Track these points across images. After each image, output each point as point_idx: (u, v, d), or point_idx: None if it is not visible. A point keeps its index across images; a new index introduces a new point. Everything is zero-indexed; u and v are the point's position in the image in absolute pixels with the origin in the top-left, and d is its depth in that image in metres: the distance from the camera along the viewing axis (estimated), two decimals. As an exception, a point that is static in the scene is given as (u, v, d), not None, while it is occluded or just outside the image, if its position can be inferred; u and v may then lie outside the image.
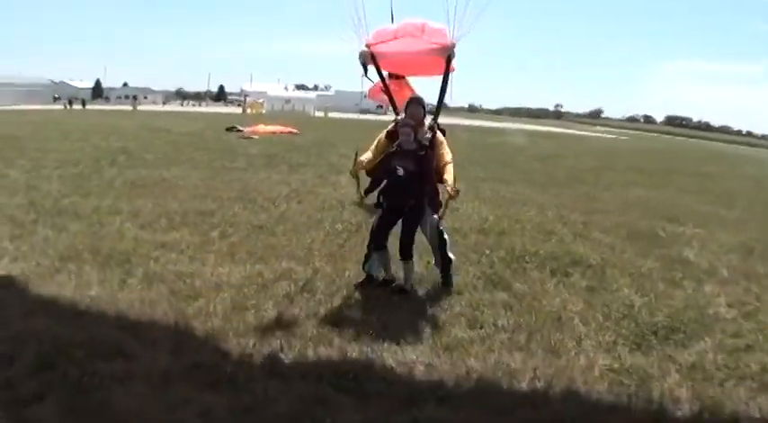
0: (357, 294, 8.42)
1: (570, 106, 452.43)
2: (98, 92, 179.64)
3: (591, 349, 7.12)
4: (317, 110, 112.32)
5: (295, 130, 40.83)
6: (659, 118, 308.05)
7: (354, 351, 6.54)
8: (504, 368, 6.42)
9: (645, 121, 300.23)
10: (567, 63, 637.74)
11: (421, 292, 8.72)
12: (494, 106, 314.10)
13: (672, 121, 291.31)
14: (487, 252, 11.03)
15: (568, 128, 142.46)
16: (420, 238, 8.74)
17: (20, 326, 6.69)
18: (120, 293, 8.02)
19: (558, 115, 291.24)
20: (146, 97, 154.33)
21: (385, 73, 9.09)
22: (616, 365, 6.72)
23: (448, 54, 8.22)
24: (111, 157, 22.81)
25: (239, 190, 16.51)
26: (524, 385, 6.12)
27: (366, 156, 8.61)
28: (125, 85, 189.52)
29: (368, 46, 8.47)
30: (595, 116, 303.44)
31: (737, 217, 18.61)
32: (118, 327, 6.91)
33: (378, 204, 8.60)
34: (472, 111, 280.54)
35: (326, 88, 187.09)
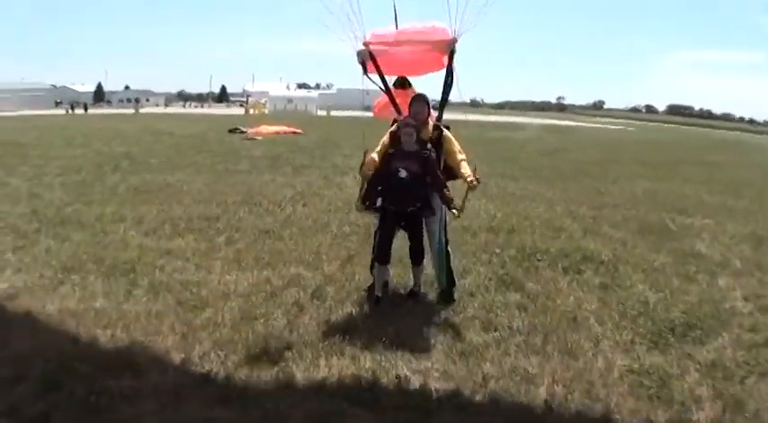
0: (368, 300, 8.24)
1: (572, 98, 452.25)
2: (100, 95, 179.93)
3: (608, 350, 6.97)
4: (320, 109, 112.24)
5: (298, 131, 40.79)
6: (661, 107, 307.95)
7: (368, 360, 6.39)
8: (522, 373, 6.27)
9: (647, 111, 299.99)
10: (569, 55, 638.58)
11: (432, 295, 8.57)
12: (496, 100, 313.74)
13: (674, 110, 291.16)
14: (498, 251, 10.89)
15: (572, 120, 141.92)
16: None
17: (25, 343, 6.57)
18: (125, 305, 7.89)
19: (560, 108, 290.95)
20: (147, 100, 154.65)
21: (389, 79, 8.86)
22: (635, 366, 6.58)
23: (450, 49, 8.03)
24: (114, 163, 22.70)
25: (244, 193, 16.35)
26: (543, 391, 5.96)
27: (373, 156, 8.25)
28: (126, 88, 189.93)
29: (365, 44, 8.18)
30: (598, 107, 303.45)
31: (746, 206, 18.41)
32: (125, 341, 6.80)
33: (377, 208, 8.24)
34: (474, 105, 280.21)
35: (329, 87, 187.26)
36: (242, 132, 39.17)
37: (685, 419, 5.65)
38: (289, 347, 6.66)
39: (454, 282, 8.51)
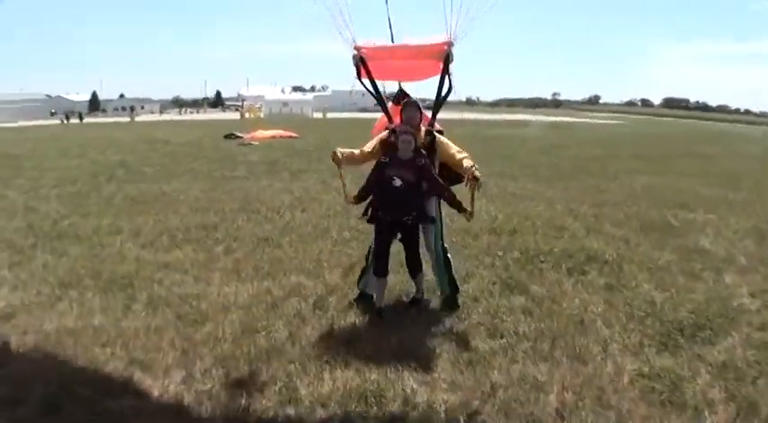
0: (371, 309, 8.07)
1: (568, 94, 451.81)
2: (95, 104, 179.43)
3: (617, 353, 6.85)
4: (315, 111, 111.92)
5: (294, 134, 40.57)
6: (657, 101, 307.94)
7: (373, 373, 6.25)
8: (531, 381, 6.14)
9: (643, 105, 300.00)
10: (563, 51, 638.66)
11: (435, 302, 8.43)
12: (491, 98, 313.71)
13: (670, 103, 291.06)
14: (500, 254, 10.76)
15: (568, 116, 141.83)
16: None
17: (23, 365, 6.49)
18: (124, 321, 7.76)
19: (556, 104, 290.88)
20: (143, 107, 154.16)
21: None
22: (645, 369, 6.45)
23: (446, 55, 7.83)
24: (110, 173, 22.58)
25: (241, 200, 16.23)
26: (553, 399, 5.83)
27: (356, 150, 8.04)
28: (121, 96, 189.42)
29: (356, 49, 7.93)
30: (594, 102, 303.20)
31: (745, 199, 18.32)
32: (124, 358, 6.68)
33: (371, 219, 8.01)
34: (470, 104, 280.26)
35: (324, 89, 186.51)
36: (238, 138, 39.00)
37: (700, 425, 5.55)
38: (292, 361, 6.53)
39: (457, 287, 8.35)
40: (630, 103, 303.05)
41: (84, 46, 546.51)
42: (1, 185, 19.10)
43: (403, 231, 7.85)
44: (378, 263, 7.90)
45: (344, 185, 8.14)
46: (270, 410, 5.61)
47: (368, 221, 8.04)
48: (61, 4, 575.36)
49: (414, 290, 8.44)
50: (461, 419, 5.48)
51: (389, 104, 8.49)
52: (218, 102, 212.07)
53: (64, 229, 12.85)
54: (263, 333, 7.30)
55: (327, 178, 20.48)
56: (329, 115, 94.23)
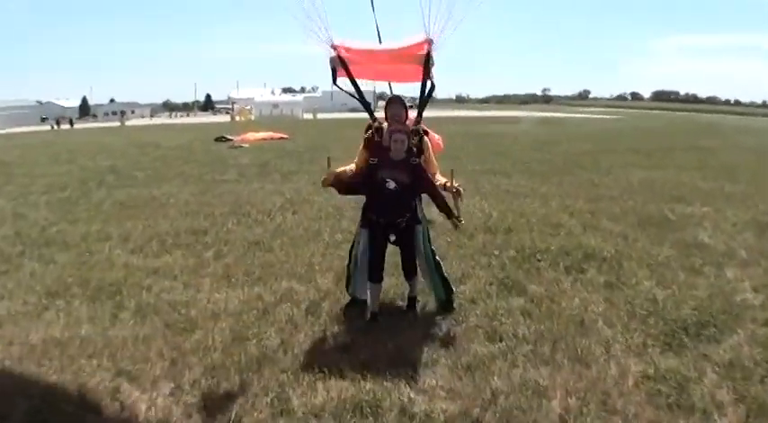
0: (365, 313, 7.82)
1: (558, 90, 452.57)
2: (85, 110, 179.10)
3: (621, 355, 6.63)
4: (306, 112, 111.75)
5: (285, 136, 40.45)
6: (646, 94, 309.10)
7: (368, 381, 5.99)
8: (532, 386, 5.91)
9: (633, 99, 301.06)
10: (552, 47, 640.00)
11: (431, 305, 8.16)
12: (481, 95, 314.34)
13: (659, 96, 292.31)
14: (496, 253, 10.53)
15: (558, 111, 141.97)
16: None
17: (7, 378, 6.28)
18: (111, 330, 7.52)
19: (546, 100, 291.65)
20: (133, 112, 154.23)
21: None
22: (650, 371, 6.22)
23: (426, 54, 7.58)
24: (99, 178, 22.35)
25: (232, 203, 16.01)
26: (556, 405, 5.60)
27: (349, 167, 7.88)
28: (112, 101, 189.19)
29: (333, 47, 7.58)
30: (584, 97, 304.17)
31: (743, 191, 18.13)
32: (111, 370, 6.45)
33: (364, 223, 7.75)
34: (460, 101, 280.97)
35: (314, 90, 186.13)
36: (228, 141, 38.81)
37: (709, 427, 5.34)
38: (284, 370, 6.28)
39: (452, 289, 8.06)
40: (620, 98, 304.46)
41: (74, 51, 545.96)
42: (-11, 193, 18.77)
43: (397, 234, 7.58)
44: (373, 268, 7.63)
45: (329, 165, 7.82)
46: (261, 423, 5.38)
47: (361, 226, 7.79)
48: (50, 10, 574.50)
49: (407, 291, 8.16)
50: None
51: (381, 104, 8.25)
52: (208, 105, 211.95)
53: (52, 237, 12.63)
54: (254, 341, 7.06)
55: (318, 179, 20.14)
56: (320, 116, 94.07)
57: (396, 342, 6.92)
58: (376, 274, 7.62)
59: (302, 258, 10.44)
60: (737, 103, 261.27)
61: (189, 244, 11.69)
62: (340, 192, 8.03)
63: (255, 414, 5.51)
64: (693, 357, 6.56)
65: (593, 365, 6.36)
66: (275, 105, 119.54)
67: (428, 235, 7.95)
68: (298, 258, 10.45)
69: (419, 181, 7.46)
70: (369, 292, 7.80)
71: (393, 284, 8.52)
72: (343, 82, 7.80)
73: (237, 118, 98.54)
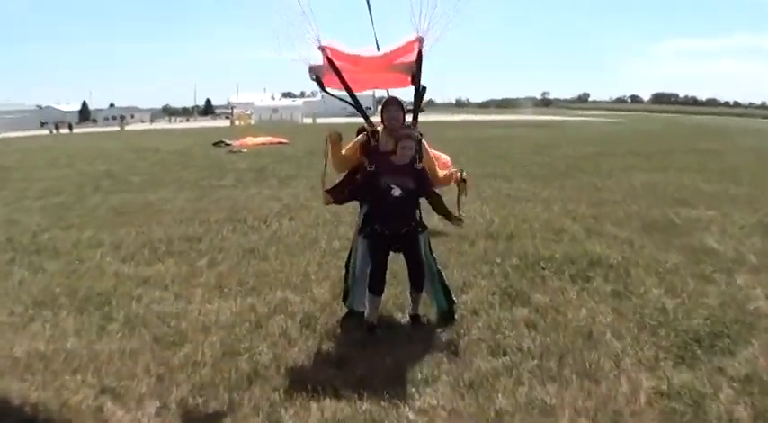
0: (361, 327, 7.47)
1: (557, 93, 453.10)
2: (85, 114, 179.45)
3: (631, 369, 6.27)
4: (306, 117, 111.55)
5: (284, 141, 40.06)
6: (646, 97, 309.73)
7: (365, 401, 5.64)
8: (539, 405, 5.56)
9: (632, 101, 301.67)
10: (551, 51, 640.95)
11: (432, 316, 7.78)
12: (480, 99, 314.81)
13: (659, 98, 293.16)
14: (499, 260, 10.17)
15: (558, 114, 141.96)
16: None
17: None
18: (98, 344, 7.19)
19: (546, 103, 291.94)
20: (133, 116, 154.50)
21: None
22: (663, 387, 5.87)
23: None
24: (96, 183, 22.15)
25: (228, 209, 15.70)
26: (565, 425, 5.28)
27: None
28: (112, 105, 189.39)
29: (321, 49, 7.19)
30: (583, 100, 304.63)
31: (747, 193, 17.87)
32: (95, 386, 6.12)
33: (367, 233, 7.38)
34: (459, 105, 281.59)
35: (313, 94, 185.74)
36: (227, 145, 38.49)
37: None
38: (276, 388, 5.95)
39: (453, 299, 7.71)
40: (620, 100, 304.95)
41: (74, 56, 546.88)
42: (-15, 198, 18.53)
43: (400, 243, 7.26)
44: (375, 280, 7.27)
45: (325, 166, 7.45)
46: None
47: (363, 237, 7.44)
48: (49, 13, 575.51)
49: (409, 308, 7.81)
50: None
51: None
52: (208, 109, 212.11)
53: (43, 243, 12.35)
54: (246, 356, 6.71)
55: (316, 184, 19.92)
56: (319, 120, 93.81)
57: (394, 357, 6.57)
58: (378, 286, 7.28)
59: (298, 267, 10.11)
60: (737, 104, 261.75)
61: (182, 251, 11.38)
62: (341, 203, 7.73)
63: (245, 436, 5.19)
64: (708, 371, 6.22)
65: (603, 381, 6.02)
66: (275, 110, 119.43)
67: (429, 243, 7.62)
68: (293, 267, 10.11)
69: (423, 187, 7.17)
70: (367, 304, 7.46)
71: (392, 295, 8.15)
72: (334, 87, 7.51)
73: (237, 122, 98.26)
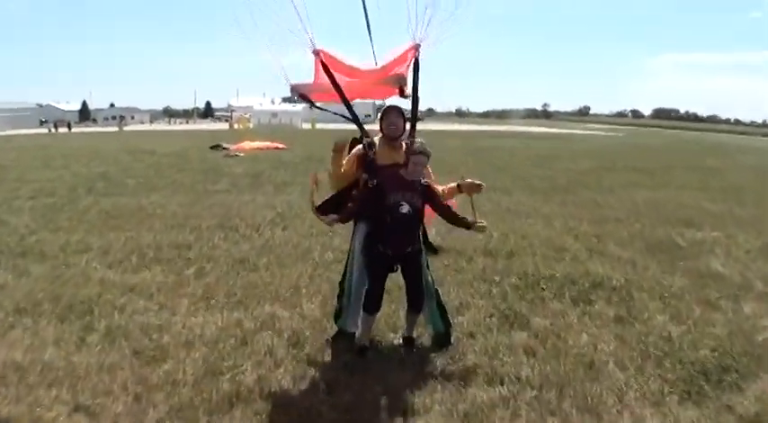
0: (352, 347, 7.12)
1: (558, 105, 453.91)
2: (85, 114, 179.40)
3: (635, 404, 5.93)
4: (305, 122, 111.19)
5: (282, 146, 39.98)
6: (647, 111, 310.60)
7: (354, 430, 5.31)
8: (538, 442, 5.23)
9: (633, 116, 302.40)
10: (553, 62, 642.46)
11: (427, 338, 7.43)
12: (481, 109, 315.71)
13: (660, 113, 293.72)
14: (497, 279, 9.82)
15: (558, 127, 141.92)
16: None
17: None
18: (76, 356, 6.86)
19: (546, 115, 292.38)
20: (133, 117, 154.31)
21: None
22: (669, 425, 5.54)
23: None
24: (89, 185, 21.76)
25: (221, 216, 15.34)
26: (565, 465, 4.93)
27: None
28: (112, 105, 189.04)
29: (315, 53, 6.87)
30: (584, 113, 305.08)
31: (752, 215, 17.58)
32: (69, 403, 5.82)
33: (369, 253, 6.95)
34: (460, 115, 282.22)
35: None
36: (224, 149, 38.28)
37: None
38: (258, 413, 5.60)
39: (450, 322, 7.35)
40: (621, 114, 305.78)
41: (75, 55, 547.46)
42: (-24, 198, 18.21)
43: (404, 262, 6.85)
44: (371, 299, 6.86)
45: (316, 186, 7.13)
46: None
47: (363, 256, 7.03)
48: (51, 13, 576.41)
49: (403, 329, 7.44)
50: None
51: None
52: (207, 112, 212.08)
53: (30, 246, 12.03)
54: (228, 376, 6.36)
55: (312, 192, 19.59)
56: (318, 126, 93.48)
57: (385, 383, 6.22)
58: (373, 305, 6.88)
59: (288, 279, 9.76)
60: (738, 122, 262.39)
61: (170, 259, 11.04)
62: (346, 222, 7.22)
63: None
64: (716, 408, 5.89)
65: (605, 416, 5.68)
66: (274, 114, 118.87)
67: (427, 261, 7.26)
68: (284, 279, 9.77)
69: (433, 202, 6.81)
70: (360, 323, 7.08)
71: (385, 314, 7.75)
72: (324, 101, 7.33)
73: (236, 126, 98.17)
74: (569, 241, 13.00)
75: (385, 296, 7.40)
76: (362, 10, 7.32)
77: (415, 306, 7.06)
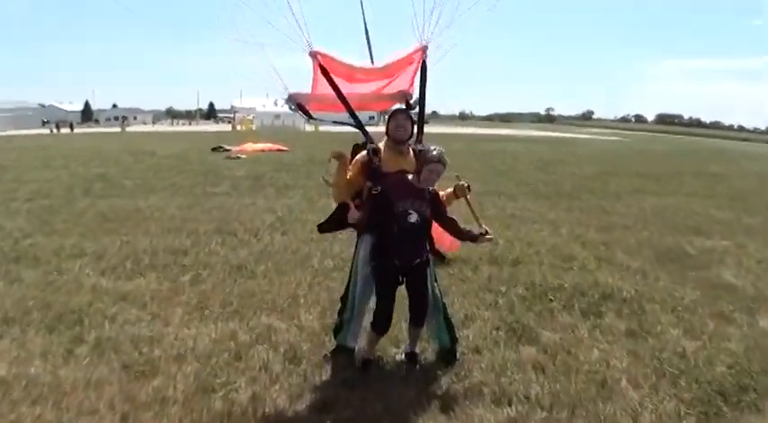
0: (351, 363, 6.78)
1: (561, 109, 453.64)
2: (87, 114, 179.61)
3: (651, 426, 5.59)
4: (308, 124, 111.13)
5: (284, 148, 39.81)
6: (650, 117, 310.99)
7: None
8: (549, 469, 4.89)
9: (636, 121, 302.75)
10: (557, 67, 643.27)
11: (430, 353, 7.08)
12: (484, 113, 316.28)
13: (663, 119, 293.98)
14: (503, 289, 9.49)
15: (562, 131, 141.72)
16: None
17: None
18: (63, 369, 6.56)
19: (550, 119, 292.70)
20: (135, 118, 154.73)
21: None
22: (687, 451, 5.21)
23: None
24: (87, 186, 21.49)
25: (219, 220, 15.02)
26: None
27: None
28: (114, 106, 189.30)
29: (312, 55, 6.50)
30: (587, 118, 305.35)
31: (761, 223, 17.28)
32: (54, 422, 5.52)
33: (376, 266, 6.49)
34: (463, 118, 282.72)
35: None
36: (225, 150, 38.04)
37: None
38: (252, 434, 5.29)
39: (456, 337, 7.00)
40: (624, 119, 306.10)
41: (78, 55, 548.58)
42: (-27, 199, 17.95)
43: (410, 275, 6.45)
44: (381, 318, 6.41)
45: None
46: None
47: (373, 269, 6.54)
48: (54, 13, 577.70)
49: (405, 345, 7.05)
50: None
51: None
52: (210, 113, 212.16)
53: (24, 250, 11.73)
54: (221, 393, 6.04)
55: (314, 195, 19.33)
56: (321, 128, 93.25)
57: (386, 402, 5.89)
58: (384, 325, 6.43)
59: (287, 288, 9.43)
60: (741, 128, 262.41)
61: (166, 265, 10.73)
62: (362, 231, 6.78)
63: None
64: (735, 432, 5.56)
65: (621, 441, 5.35)
66: (277, 116, 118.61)
67: (435, 273, 6.90)
68: (282, 287, 9.44)
69: (439, 211, 6.41)
70: (366, 341, 6.74)
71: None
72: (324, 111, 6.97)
73: (239, 127, 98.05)
74: (577, 249, 12.68)
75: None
76: (360, 10, 7.04)
77: (417, 320, 6.67)
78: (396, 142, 6.54)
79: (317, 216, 14.57)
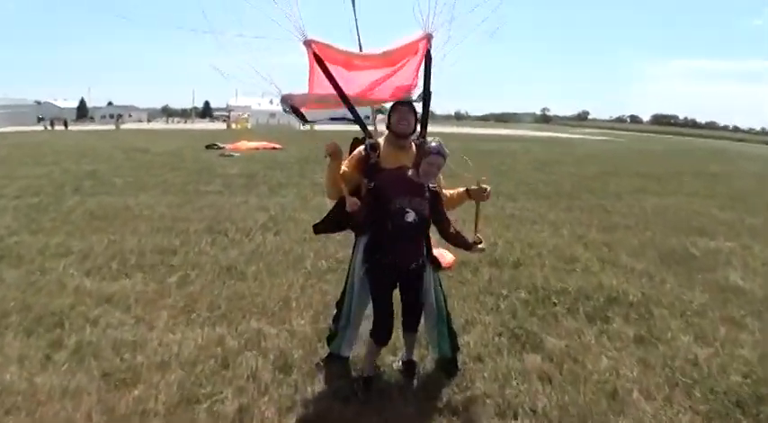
0: (345, 372, 6.43)
1: (557, 110, 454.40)
2: (83, 111, 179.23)
3: (666, 441, 5.21)
4: (302, 125, 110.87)
5: (278, 146, 39.69)
6: (646, 117, 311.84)
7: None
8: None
9: (632, 121, 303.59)
10: (552, 67, 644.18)
11: (429, 363, 6.70)
12: (480, 113, 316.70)
13: (659, 119, 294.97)
14: (505, 293, 9.11)
15: (558, 131, 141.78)
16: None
17: None
18: (40, 376, 6.18)
19: (545, 119, 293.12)
20: (130, 116, 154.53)
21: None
22: (707, 469, 4.83)
23: (426, 52, 6.21)
24: (77, 183, 21.05)
25: (210, 219, 14.62)
26: None
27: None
28: (110, 104, 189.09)
29: (306, 44, 6.03)
30: (583, 118, 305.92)
31: (765, 224, 17.01)
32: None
33: (371, 268, 5.97)
34: (459, 118, 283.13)
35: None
36: (219, 148, 37.75)
37: None
38: (237, 452, 4.89)
39: (458, 346, 6.61)
40: (619, 120, 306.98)
41: (74, 53, 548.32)
42: (-39, 196, 17.57)
43: (406, 277, 5.97)
44: (381, 327, 5.88)
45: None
46: None
47: (367, 270, 6.03)
48: (50, 10, 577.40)
49: (402, 353, 6.65)
50: None
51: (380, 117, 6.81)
52: (206, 112, 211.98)
53: (8, 249, 11.35)
54: (206, 404, 5.65)
55: (308, 193, 19.00)
56: (317, 127, 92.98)
57: (382, 416, 5.52)
58: (385, 335, 5.92)
59: (278, 290, 9.03)
60: (737, 129, 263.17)
61: (153, 265, 10.33)
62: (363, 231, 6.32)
63: None
64: (758, 448, 5.19)
65: (634, 458, 4.96)
66: (272, 114, 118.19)
67: (439, 278, 6.50)
68: (273, 290, 9.04)
69: (437, 211, 5.91)
70: (367, 349, 6.27)
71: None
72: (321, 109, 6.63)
73: (234, 126, 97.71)
74: (579, 250, 12.31)
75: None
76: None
77: (408, 325, 6.25)
78: (397, 136, 6.12)
79: (310, 215, 14.27)
